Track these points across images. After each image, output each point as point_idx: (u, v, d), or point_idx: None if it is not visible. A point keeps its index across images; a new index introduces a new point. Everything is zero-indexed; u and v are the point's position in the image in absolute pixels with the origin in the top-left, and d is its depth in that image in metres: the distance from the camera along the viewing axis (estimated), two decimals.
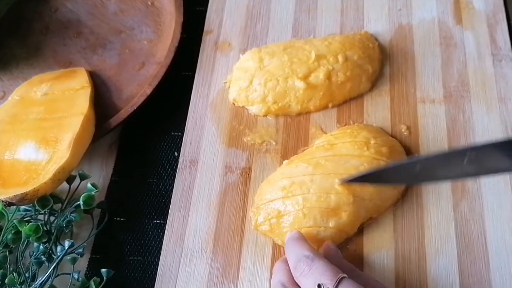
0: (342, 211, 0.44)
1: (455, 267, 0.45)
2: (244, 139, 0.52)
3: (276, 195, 0.46)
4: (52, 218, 0.47)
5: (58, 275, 0.45)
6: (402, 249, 0.46)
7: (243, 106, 0.53)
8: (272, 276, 0.44)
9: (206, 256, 0.46)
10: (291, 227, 0.45)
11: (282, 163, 0.50)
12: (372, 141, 0.47)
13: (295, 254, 0.42)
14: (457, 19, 0.58)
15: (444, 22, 0.57)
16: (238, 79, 0.53)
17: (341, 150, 0.47)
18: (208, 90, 0.55)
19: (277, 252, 0.46)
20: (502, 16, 0.57)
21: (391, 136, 0.51)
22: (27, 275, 0.45)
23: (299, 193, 0.45)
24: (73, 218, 0.47)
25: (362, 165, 0.45)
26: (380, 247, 0.46)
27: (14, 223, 0.46)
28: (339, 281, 0.38)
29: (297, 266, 0.40)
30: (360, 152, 0.46)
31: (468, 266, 0.46)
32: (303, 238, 0.43)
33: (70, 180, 0.48)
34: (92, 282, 0.45)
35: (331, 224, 0.44)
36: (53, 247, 0.46)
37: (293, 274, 0.41)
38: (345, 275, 0.39)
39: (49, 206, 0.46)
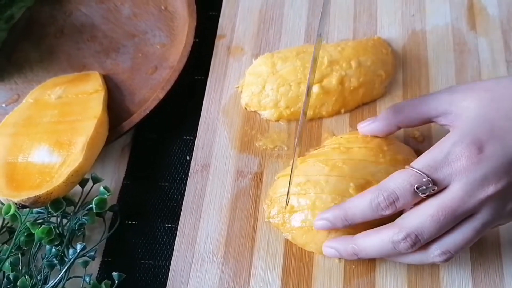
0: None
1: (469, 275, 0.45)
2: (256, 144, 0.52)
3: (291, 191, 0.46)
4: (64, 221, 0.48)
5: (69, 278, 0.45)
6: None
7: (255, 111, 0.53)
8: (362, 252, 0.42)
9: (217, 261, 0.46)
10: (302, 224, 0.45)
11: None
12: (385, 148, 0.47)
13: (363, 205, 0.40)
14: (471, 25, 0.57)
15: (458, 28, 0.57)
16: (251, 84, 0.53)
17: (357, 155, 0.46)
18: (220, 94, 0.55)
19: (289, 257, 0.46)
20: None
21: (404, 143, 0.50)
22: (39, 277, 0.45)
23: (312, 191, 0.45)
24: (85, 221, 0.47)
25: (379, 172, 0.45)
26: None
27: (26, 225, 0.46)
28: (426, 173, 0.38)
29: (379, 206, 0.40)
30: (376, 159, 0.46)
31: (482, 274, 0.45)
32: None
33: (83, 183, 0.48)
34: (103, 285, 0.45)
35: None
36: (65, 250, 0.46)
37: (381, 214, 0.40)
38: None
39: (62, 209, 0.46)
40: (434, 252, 0.40)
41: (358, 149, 0.47)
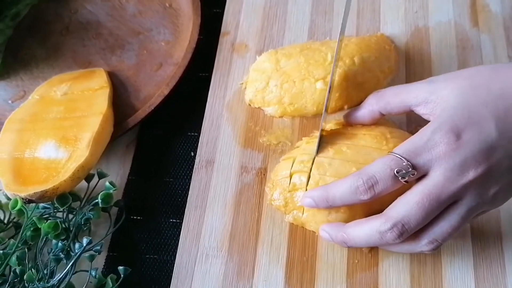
0: None
1: (471, 270, 0.45)
2: (260, 140, 0.52)
3: (294, 168, 0.46)
4: (70, 216, 0.48)
5: (76, 272, 0.46)
6: None
7: (259, 107, 0.54)
8: (350, 241, 0.42)
9: (221, 255, 0.47)
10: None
11: (302, 139, 0.50)
12: (388, 135, 0.47)
13: (343, 188, 0.41)
14: (473, 22, 0.57)
15: (461, 25, 0.57)
16: (255, 81, 0.53)
17: (360, 141, 0.47)
18: (224, 91, 0.55)
19: (292, 251, 0.47)
20: None
21: None
22: (45, 271, 0.45)
23: (316, 172, 0.45)
24: (91, 216, 0.48)
25: None
26: None
27: (33, 220, 0.46)
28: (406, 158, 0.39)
29: (358, 189, 0.40)
30: (379, 146, 0.46)
31: (484, 269, 0.45)
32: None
33: (88, 178, 0.49)
34: (109, 279, 0.46)
35: (342, 209, 0.45)
36: (71, 244, 0.46)
37: (359, 198, 0.41)
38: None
39: (68, 204, 0.47)
40: (422, 242, 0.40)
41: (363, 136, 0.47)
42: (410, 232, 0.40)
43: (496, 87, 0.40)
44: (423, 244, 0.41)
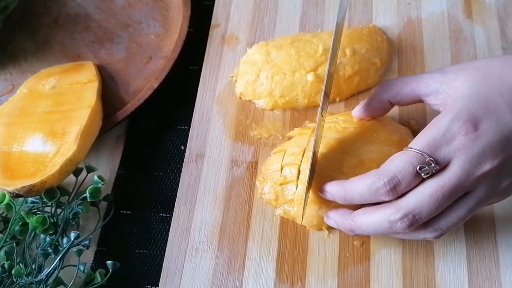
0: None
1: (464, 264, 0.45)
2: (251, 133, 0.52)
3: (285, 161, 0.46)
4: (59, 210, 0.48)
5: (64, 267, 0.45)
6: (410, 245, 0.46)
7: (250, 100, 0.53)
8: (356, 229, 0.41)
9: (211, 249, 0.46)
10: (294, 196, 0.45)
11: (294, 129, 0.50)
12: (381, 129, 0.46)
13: (361, 189, 0.39)
14: (467, 13, 0.57)
15: (454, 16, 0.57)
16: (245, 73, 0.53)
17: (351, 135, 0.46)
18: (215, 84, 0.55)
19: (283, 245, 0.46)
20: None
21: None
22: (33, 266, 0.45)
23: (306, 167, 0.45)
24: (80, 211, 0.47)
25: (373, 152, 0.45)
26: (388, 243, 0.46)
27: (21, 214, 0.46)
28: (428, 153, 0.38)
29: (379, 191, 0.38)
30: (371, 139, 0.45)
31: (477, 262, 0.45)
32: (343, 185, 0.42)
33: (77, 172, 0.48)
34: (97, 274, 0.45)
35: (333, 204, 0.44)
36: (60, 239, 0.46)
37: (380, 199, 0.39)
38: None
39: (56, 198, 0.46)
40: (427, 229, 0.40)
41: (354, 129, 0.46)
42: (420, 223, 0.39)
43: (510, 78, 0.39)
44: (427, 231, 0.40)
